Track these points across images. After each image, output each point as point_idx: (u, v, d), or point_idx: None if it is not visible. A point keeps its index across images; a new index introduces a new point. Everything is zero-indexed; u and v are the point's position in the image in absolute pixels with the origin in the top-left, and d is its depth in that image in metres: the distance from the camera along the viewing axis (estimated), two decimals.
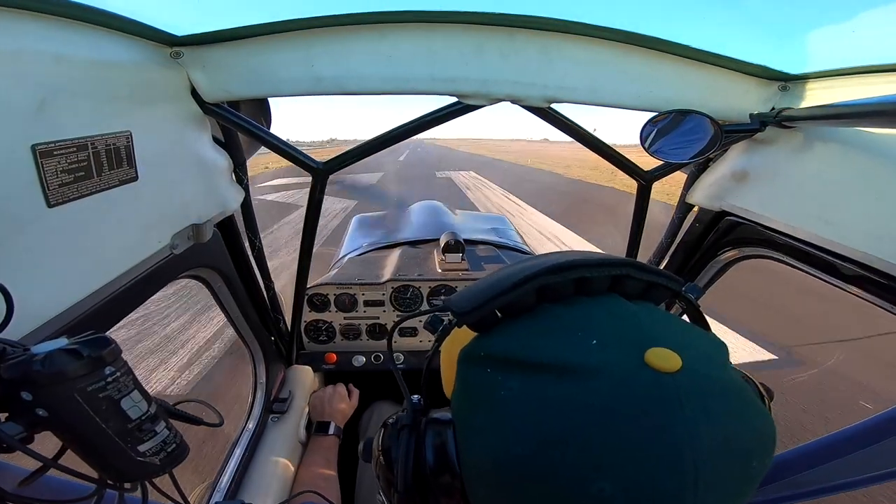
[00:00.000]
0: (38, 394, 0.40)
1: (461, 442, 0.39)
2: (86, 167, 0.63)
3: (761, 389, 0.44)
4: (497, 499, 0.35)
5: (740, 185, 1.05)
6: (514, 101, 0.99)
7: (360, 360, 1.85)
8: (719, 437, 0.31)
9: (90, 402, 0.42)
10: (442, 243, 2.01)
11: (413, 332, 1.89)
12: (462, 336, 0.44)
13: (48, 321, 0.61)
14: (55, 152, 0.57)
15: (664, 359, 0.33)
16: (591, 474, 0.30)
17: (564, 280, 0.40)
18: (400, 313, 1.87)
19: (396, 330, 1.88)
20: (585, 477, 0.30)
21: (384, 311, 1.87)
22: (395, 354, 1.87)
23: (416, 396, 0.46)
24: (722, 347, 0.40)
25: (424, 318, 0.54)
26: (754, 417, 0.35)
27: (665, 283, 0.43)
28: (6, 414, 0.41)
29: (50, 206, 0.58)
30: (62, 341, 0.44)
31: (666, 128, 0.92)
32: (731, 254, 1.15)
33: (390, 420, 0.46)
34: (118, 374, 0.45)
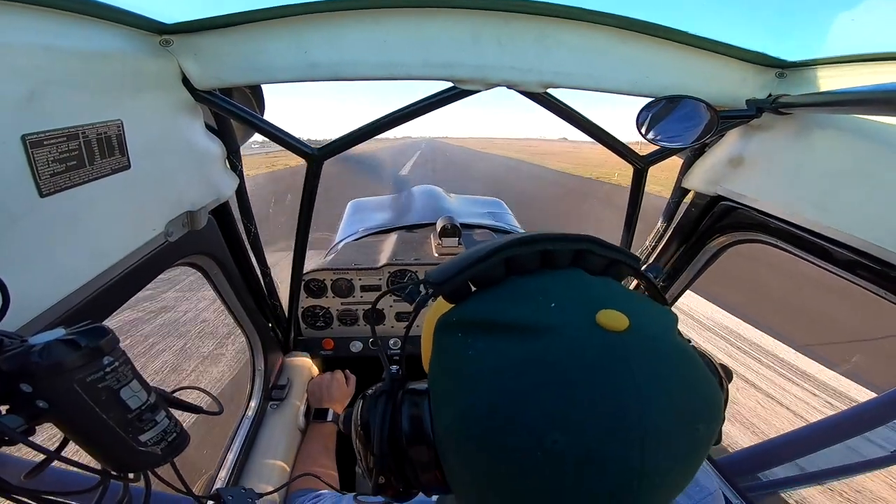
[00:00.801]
0: (38, 385, 0.40)
1: (434, 409, 0.41)
2: (77, 156, 0.62)
3: (719, 369, 0.46)
4: (464, 459, 0.37)
5: (736, 170, 1.05)
6: (510, 87, 0.99)
7: (357, 346, 1.86)
8: (665, 397, 0.33)
9: (90, 392, 0.42)
10: (438, 227, 2.01)
11: (409, 316, 1.89)
12: (442, 310, 0.45)
13: (45, 311, 0.61)
14: (45, 142, 0.57)
15: (613, 319, 0.35)
16: (545, 427, 0.32)
17: (529, 252, 0.42)
18: (397, 298, 1.88)
19: (393, 315, 1.89)
20: (541, 430, 0.32)
21: None
22: (392, 339, 1.88)
23: (395, 367, 0.48)
24: (671, 316, 0.42)
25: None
26: (700, 381, 0.37)
27: (624, 260, 0.46)
28: (7, 406, 0.42)
29: (42, 196, 0.57)
30: (59, 332, 0.44)
31: (662, 113, 0.92)
32: (725, 238, 1.16)
33: (369, 392, 0.48)
34: (116, 363, 0.45)
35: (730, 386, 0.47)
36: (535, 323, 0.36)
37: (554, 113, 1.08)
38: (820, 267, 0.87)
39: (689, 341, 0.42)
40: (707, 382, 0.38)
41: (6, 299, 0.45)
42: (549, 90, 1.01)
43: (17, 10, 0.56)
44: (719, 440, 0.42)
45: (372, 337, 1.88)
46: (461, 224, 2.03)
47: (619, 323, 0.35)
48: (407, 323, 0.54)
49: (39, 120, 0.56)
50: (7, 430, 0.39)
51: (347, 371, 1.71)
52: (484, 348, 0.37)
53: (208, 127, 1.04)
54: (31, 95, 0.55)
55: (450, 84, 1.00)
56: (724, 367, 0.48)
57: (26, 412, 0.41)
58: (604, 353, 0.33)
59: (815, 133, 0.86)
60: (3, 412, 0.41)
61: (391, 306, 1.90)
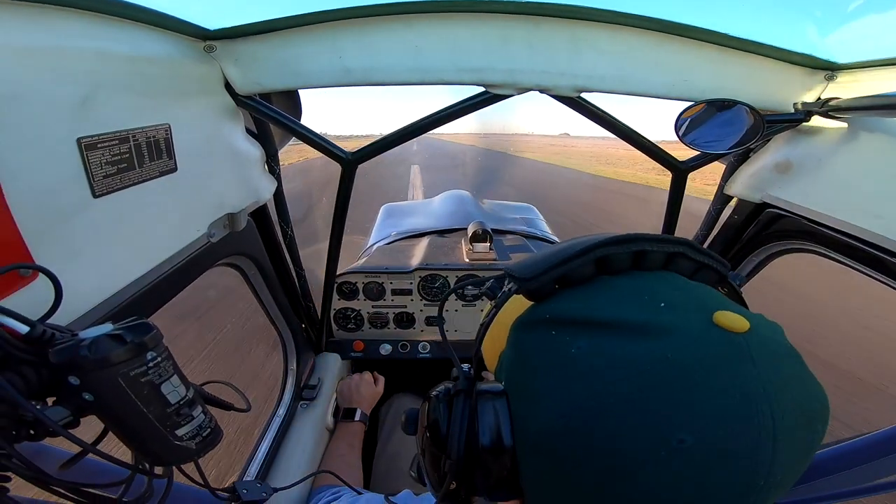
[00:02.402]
0: (85, 378, 0.42)
1: (517, 412, 0.39)
2: (128, 159, 0.65)
3: None
4: (563, 460, 0.35)
5: (783, 176, 1.01)
6: (542, 91, 0.98)
7: (386, 349, 1.88)
8: (791, 396, 0.33)
9: (133, 386, 0.44)
10: (469, 232, 2.01)
11: (441, 321, 1.88)
12: (511, 309, 0.44)
13: (94, 307, 0.63)
14: (99, 145, 0.59)
15: (732, 320, 0.34)
16: (670, 425, 0.31)
17: (625, 252, 0.40)
18: (427, 302, 1.88)
19: (423, 319, 1.89)
20: (665, 428, 0.31)
21: (411, 300, 1.89)
22: (421, 343, 1.89)
23: (465, 365, 0.46)
24: (776, 323, 0.40)
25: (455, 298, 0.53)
26: (815, 383, 0.36)
27: (715, 266, 0.44)
28: (53, 398, 0.44)
29: (95, 196, 0.60)
30: (108, 327, 0.45)
31: (703, 117, 0.89)
32: (771, 247, 1.11)
33: (436, 392, 0.45)
34: (159, 359, 0.47)
35: None
36: (647, 323, 0.35)
37: (587, 117, 1.06)
38: (874, 278, 0.82)
39: None
40: (818, 385, 0.37)
41: (59, 294, 0.47)
42: (583, 94, 0.99)
43: (71, 15, 0.59)
44: None
45: (401, 341, 1.89)
46: (492, 229, 2.03)
47: (739, 324, 0.34)
48: (439, 326, 0.51)
49: (93, 123, 0.59)
50: (50, 423, 0.41)
51: (376, 372, 1.73)
52: (588, 346, 0.35)
53: (248, 131, 1.07)
54: (85, 99, 0.58)
55: (482, 88, 1.00)
56: None
57: (73, 404, 0.43)
58: (728, 352, 0.33)
59: (868, 137, 0.82)
60: (49, 404, 0.43)
61: (421, 311, 1.91)
